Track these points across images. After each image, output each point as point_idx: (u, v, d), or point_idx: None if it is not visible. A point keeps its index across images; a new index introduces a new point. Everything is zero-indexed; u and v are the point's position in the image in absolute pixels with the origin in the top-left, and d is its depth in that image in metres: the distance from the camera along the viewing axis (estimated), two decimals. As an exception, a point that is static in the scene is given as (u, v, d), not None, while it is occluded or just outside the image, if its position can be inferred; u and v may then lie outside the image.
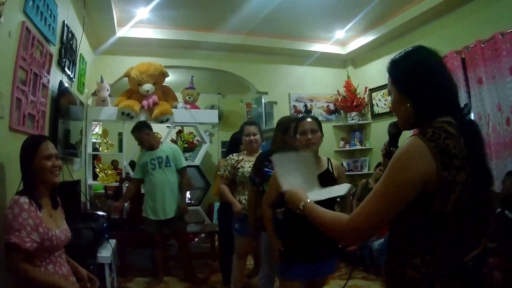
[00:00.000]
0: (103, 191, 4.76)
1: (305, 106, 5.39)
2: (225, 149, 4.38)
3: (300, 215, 1.14)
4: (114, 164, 5.19)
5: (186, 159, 4.67)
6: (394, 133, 1.27)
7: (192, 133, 5.23)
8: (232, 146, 3.45)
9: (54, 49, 2.66)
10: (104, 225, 2.76)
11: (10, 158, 1.81)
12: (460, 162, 0.92)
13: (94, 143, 5.25)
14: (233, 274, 3.02)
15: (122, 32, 4.24)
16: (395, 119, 1.17)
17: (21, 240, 1.42)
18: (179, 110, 4.51)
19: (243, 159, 2.94)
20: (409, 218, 0.97)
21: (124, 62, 4.51)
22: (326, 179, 2.09)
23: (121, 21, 4.17)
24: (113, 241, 2.90)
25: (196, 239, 4.76)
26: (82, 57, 3.72)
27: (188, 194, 4.87)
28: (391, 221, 0.99)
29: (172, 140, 4.99)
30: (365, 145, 5.30)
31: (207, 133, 5.59)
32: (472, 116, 3.32)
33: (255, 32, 4.71)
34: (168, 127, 4.82)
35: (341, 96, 5.47)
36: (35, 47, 2.20)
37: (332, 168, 2.14)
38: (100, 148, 4.95)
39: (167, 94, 4.60)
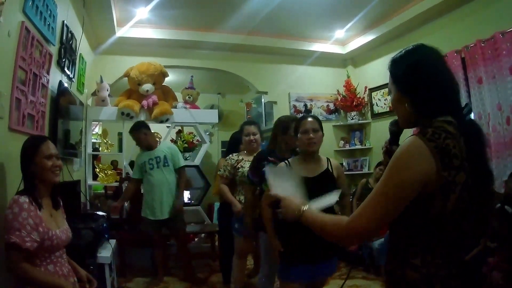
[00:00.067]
0: (103, 191, 4.75)
1: (305, 105, 5.39)
2: (225, 149, 4.38)
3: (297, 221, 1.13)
4: (114, 164, 5.18)
5: (186, 159, 4.68)
6: (395, 131, 1.27)
7: (192, 133, 5.23)
8: (232, 146, 3.45)
9: (53, 49, 2.65)
10: (104, 225, 2.76)
11: (9, 158, 1.81)
12: (460, 162, 0.92)
13: (94, 143, 5.25)
14: (233, 274, 3.02)
15: (121, 32, 4.23)
16: (395, 118, 1.17)
17: (21, 240, 1.42)
18: (179, 110, 4.50)
19: (243, 159, 2.94)
20: (409, 218, 0.96)
21: (123, 62, 4.50)
22: (326, 178, 2.09)
23: (121, 21, 4.16)
24: (113, 241, 2.89)
25: (196, 239, 4.76)
26: (82, 57, 3.72)
27: (188, 194, 4.88)
28: (391, 222, 0.98)
29: (172, 140, 4.99)
30: (365, 145, 5.30)
31: (207, 133, 5.59)
32: (472, 116, 3.31)
33: (255, 32, 4.70)
34: (168, 127, 4.82)
35: (341, 96, 5.46)
36: (35, 47, 2.20)
37: (331, 168, 2.14)
38: (100, 148, 4.95)
39: (167, 94, 4.60)
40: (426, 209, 0.93)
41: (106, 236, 2.78)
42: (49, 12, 2.45)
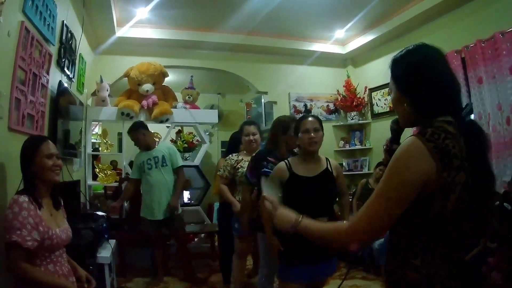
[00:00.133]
0: (102, 191, 4.75)
1: (305, 105, 5.39)
2: (225, 149, 4.37)
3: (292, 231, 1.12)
4: (113, 164, 5.18)
5: (186, 159, 4.68)
6: (396, 130, 1.27)
7: (191, 133, 5.23)
8: (232, 146, 3.45)
9: (53, 49, 2.65)
10: (104, 225, 2.76)
11: (9, 158, 1.81)
12: (460, 162, 0.92)
13: (93, 143, 5.25)
14: (233, 274, 3.02)
15: (121, 32, 4.23)
16: (396, 117, 1.17)
17: (22, 239, 1.42)
18: (179, 110, 4.50)
19: (242, 159, 2.94)
20: (409, 218, 0.96)
21: (123, 62, 4.50)
22: (326, 178, 2.09)
23: (121, 21, 4.16)
24: (112, 241, 2.89)
25: (196, 239, 4.75)
26: (82, 57, 3.72)
27: (188, 194, 4.88)
28: (393, 223, 0.98)
29: (172, 140, 4.98)
30: (365, 145, 5.30)
31: (207, 133, 5.59)
32: (472, 116, 3.31)
33: (255, 32, 4.70)
34: (167, 127, 4.82)
35: (341, 96, 5.46)
36: (34, 47, 2.20)
37: (331, 167, 2.14)
38: (100, 148, 4.95)
39: (166, 94, 4.60)
40: (426, 209, 0.93)
41: (106, 236, 2.78)
42: (48, 12, 2.45)
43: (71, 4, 3.14)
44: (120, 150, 5.64)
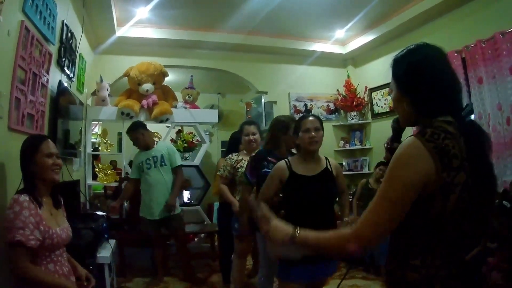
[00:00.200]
0: (102, 191, 4.75)
1: (305, 105, 5.39)
2: (224, 149, 4.37)
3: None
4: (113, 164, 5.18)
5: (186, 159, 4.68)
6: (397, 129, 1.27)
7: (191, 132, 5.23)
8: (232, 145, 3.45)
9: (53, 49, 2.65)
10: (104, 225, 2.76)
11: (9, 158, 1.81)
12: (460, 163, 0.91)
13: (93, 143, 5.25)
14: (233, 274, 3.02)
15: (121, 31, 4.23)
16: (397, 116, 1.17)
17: (26, 238, 1.42)
18: (179, 109, 4.50)
19: (242, 159, 2.94)
20: (409, 219, 0.95)
21: (123, 61, 4.50)
22: (326, 177, 2.09)
23: (121, 20, 4.16)
24: (112, 241, 2.89)
25: (195, 239, 4.75)
26: (82, 56, 3.72)
27: (188, 194, 4.88)
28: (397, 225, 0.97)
29: (172, 140, 4.99)
30: (365, 145, 5.30)
31: (207, 133, 5.59)
32: (473, 116, 3.31)
33: (255, 32, 4.70)
34: (167, 126, 4.82)
35: (341, 96, 5.46)
36: (34, 46, 2.20)
37: (330, 167, 2.14)
38: (100, 148, 4.94)
39: (166, 94, 4.60)
40: (426, 210, 0.93)
41: (105, 236, 2.78)
42: (48, 11, 2.44)
43: (71, 4, 3.14)
44: (120, 150, 5.65)
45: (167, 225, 3.61)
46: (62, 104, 2.82)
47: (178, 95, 4.77)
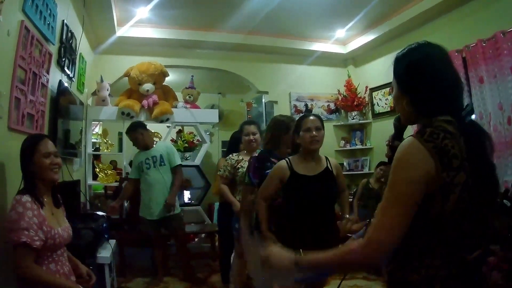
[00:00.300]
0: (103, 191, 4.75)
1: (306, 105, 5.38)
2: (225, 149, 4.37)
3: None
4: (113, 164, 5.18)
5: (186, 159, 4.67)
6: (398, 127, 1.27)
7: (192, 132, 5.22)
8: (232, 145, 3.44)
9: (53, 49, 2.65)
10: (104, 225, 2.75)
11: (9, 158, 1.80)
12: (459, 162, 0.91)
13: (94, 143, 5.25)
14: (233, 274, 3.02)
15: (122, 31, 4.23)
16: (397, 116, 1.17)
17: (31, 239, 1.41)
18: (179, 109, 4.50)
19: (243, 159, 2.93)
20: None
21: (124, 61, 4.50)
22: (326, 177, 2.09)
23: (121, 20, 4.16)
24: (113, 241, 2.89)
25: (196, 239, 4.75)
26: (82, 56, 3.72)
27: (188, 194, 4.87)
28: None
29: (172, 140, 4.98)
30: (365, 145, 5.29)
31: (207, 133, 5.59)
32: (473, 116, 3.30)
33: (256, 31, 4.69)
34: (168, 126, 4.81)
35: (342, 96, 5.45)
36: (34, 46, 2.20)
37: (331, 166, 2.13)
38: (100, 148, 4.94)
39: (167, 94, 4.60)
40: (426, 210, 0.92)
41: (106, 236, 2.78)
42: (49, 11, 2.44)
43: (71, 4, 3.14)
44: (120, 149, 5.64)
45: (167, 225, 3.61)
46: (62, 104, 2.82)
47: (179, 95, 4.76)
